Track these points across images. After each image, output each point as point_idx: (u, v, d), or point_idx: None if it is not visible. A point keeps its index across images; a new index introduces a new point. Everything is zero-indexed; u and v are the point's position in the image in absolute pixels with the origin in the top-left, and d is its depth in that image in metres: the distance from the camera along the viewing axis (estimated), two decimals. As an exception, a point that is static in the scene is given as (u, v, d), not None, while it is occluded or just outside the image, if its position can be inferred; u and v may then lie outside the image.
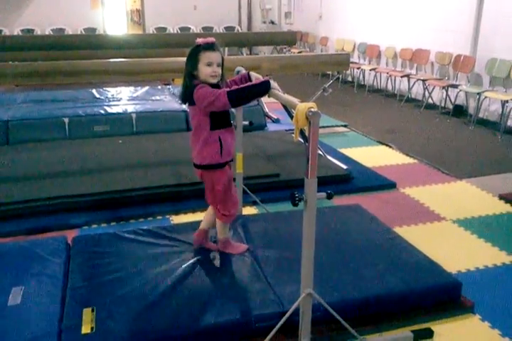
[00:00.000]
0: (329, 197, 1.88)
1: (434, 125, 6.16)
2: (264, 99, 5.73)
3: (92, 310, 2.22)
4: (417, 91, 7.49)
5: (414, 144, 5.31)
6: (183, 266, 2.57)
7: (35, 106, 5.72)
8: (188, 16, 11.95)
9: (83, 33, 11.01)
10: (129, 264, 2.61)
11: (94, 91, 6.51)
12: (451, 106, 6.65)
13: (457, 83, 6.57)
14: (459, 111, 6.56)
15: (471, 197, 3.95)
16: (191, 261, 2.63)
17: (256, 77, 2.39)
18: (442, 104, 6.86)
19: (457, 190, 4.08)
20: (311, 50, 10.63)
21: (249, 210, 3.60)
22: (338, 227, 3.05)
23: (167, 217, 3.53)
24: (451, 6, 6.68)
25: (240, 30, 12.38)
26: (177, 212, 3.58)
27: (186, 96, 2.33)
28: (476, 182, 4.22)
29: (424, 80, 6.97)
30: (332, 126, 6.05)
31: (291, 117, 1.89)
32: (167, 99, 6.16)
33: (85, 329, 2.10)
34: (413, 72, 7.56)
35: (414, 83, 7.33)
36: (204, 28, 12.00)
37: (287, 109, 2.34)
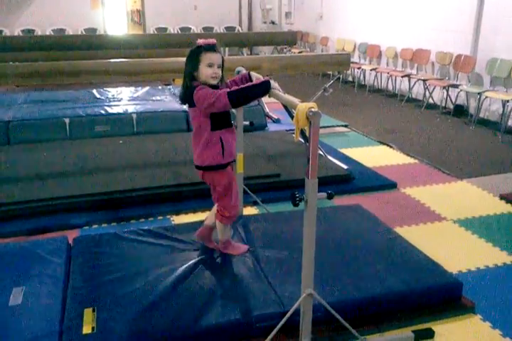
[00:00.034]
0: (330, 197, 1.89)
1: (434, 125, 6.16)
2: (265, 99, 5.72)
3: (93, 310, 2.22)
4: (418, 91, 7.49)
5: (415, 144, 5.31)
6: (184, 267, 2.57)
7: (35, 106, 5.73)
8: (188, 16, 11.95)
9: (83, 33, 11.01)
10: (129, 264, 2.61)
11: (94, 91, 6.52)
12: (451, 106, 6.65)
13: (458, 83, 6.57)
14: (460, 111, 6.56)
15: (471, 197, 3.94)
16: (192, 261, 2.63)
17: (256, 77, 2.39)
18: (443, 104, 6.86)
19: (458, 190, 4.08)
20: (311, 50, 10.63)
21: (249, 210, 3.60)
22: (338, 227, 3.05)
23: (168, 217, 3.53)
24: (452, 5, 6.68)
25: (240, 30, 12.38)
26: (178, 212, 3.58)
27: (186, 97, 2.33)
28: (477, 182, 4.22)
29: (424, 80, 6.97)
30: (333, 126, 6.05)
31: (292, 117, 1.89)
32: (167, 100, 6.17)
33: (86, 329, 2.10)
34: (414, 72, 7.56)
35: (415, 83, 7.33)
36: (204, 28, 12.00)
37: (288, 109, 2.33)
